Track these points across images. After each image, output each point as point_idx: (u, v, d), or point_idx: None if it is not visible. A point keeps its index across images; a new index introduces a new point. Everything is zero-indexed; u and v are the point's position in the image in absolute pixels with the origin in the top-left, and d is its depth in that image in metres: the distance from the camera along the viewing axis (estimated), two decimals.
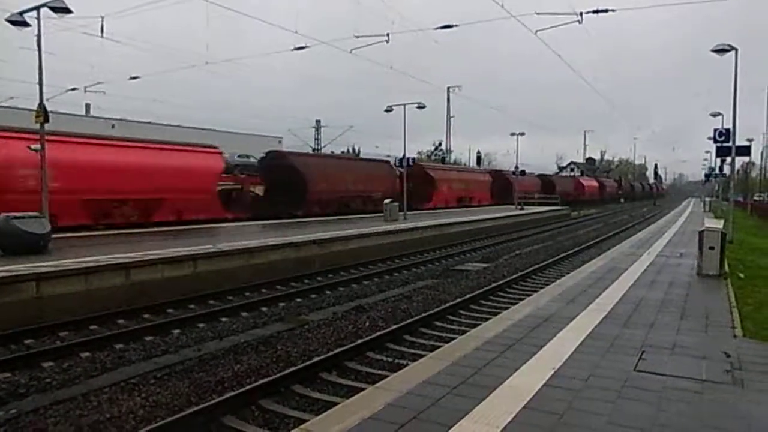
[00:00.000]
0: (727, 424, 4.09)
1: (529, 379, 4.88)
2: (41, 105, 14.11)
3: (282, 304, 11.47)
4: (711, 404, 4.44)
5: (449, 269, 16.61)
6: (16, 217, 12.20)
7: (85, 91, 30.94)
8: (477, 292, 12.24)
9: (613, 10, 18.19)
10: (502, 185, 50.14)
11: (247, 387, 6.46)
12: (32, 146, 14.74)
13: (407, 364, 6.26)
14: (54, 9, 13.31)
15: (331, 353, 7.72)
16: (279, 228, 20.27)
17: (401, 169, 29.47)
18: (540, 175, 61.02)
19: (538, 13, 19.32)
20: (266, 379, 6.71)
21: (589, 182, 72.47)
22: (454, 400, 4.40)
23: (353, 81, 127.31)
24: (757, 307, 8.56)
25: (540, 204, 46.55)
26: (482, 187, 48.56)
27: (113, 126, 38.58)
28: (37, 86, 14.20)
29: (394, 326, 9.22)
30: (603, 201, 69.58)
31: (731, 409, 4.35)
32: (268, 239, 15.78)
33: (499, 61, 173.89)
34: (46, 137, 14.37)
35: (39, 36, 13.89)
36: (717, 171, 42.87)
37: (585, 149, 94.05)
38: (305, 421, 4.56)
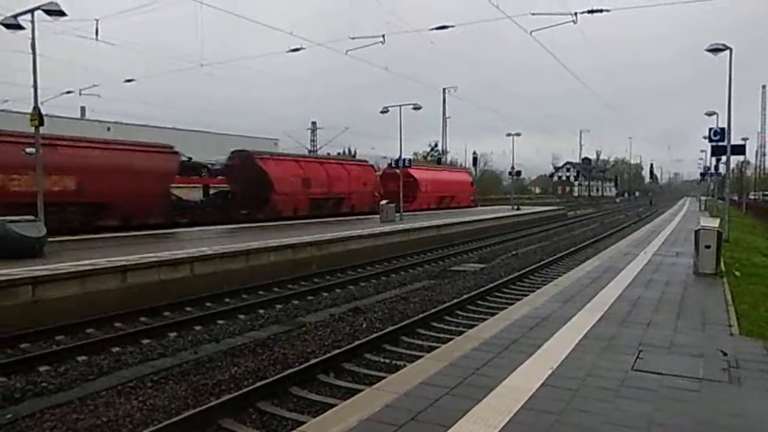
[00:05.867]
0: (724, 422, 4.10)
1: (526, 379, 4.88)
2: (36, 108, 14.06)
3: (279, 306, 11.46)
4: (708, 402, 4.45)
5: (446, 270, 16.60)
6: (11, 221, 12.13)
7: (80, 94, 30.90)
8: (474, 292, 12.24)
9: (608, 10, 18.27)
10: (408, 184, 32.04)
11: (245, 389, 6.45)
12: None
13: (405, 366, 6.25)
14: (48, 12, 13.24)
15: (329, 355, 7.71)
16: None
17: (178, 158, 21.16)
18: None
19: (533, 14, 19.38)
20: (263, 382, 6.69)
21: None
22: (451, 400, 4.39)
23: (350, 83, 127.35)
24: (753, 305, 8.58)
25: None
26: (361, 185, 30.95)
27: (108, 129, 38.52)
28: (32, 89, 14.17)
29: (392, 327, 9.22)
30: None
31: (728, 407, 4.36)
32: None
33: (496, 62, 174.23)
34: None
35: (33, 39, 13.85)
36: (712, 170, 43.08)
37: (581, 149, 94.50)
38: (303, 423, 4.54)
